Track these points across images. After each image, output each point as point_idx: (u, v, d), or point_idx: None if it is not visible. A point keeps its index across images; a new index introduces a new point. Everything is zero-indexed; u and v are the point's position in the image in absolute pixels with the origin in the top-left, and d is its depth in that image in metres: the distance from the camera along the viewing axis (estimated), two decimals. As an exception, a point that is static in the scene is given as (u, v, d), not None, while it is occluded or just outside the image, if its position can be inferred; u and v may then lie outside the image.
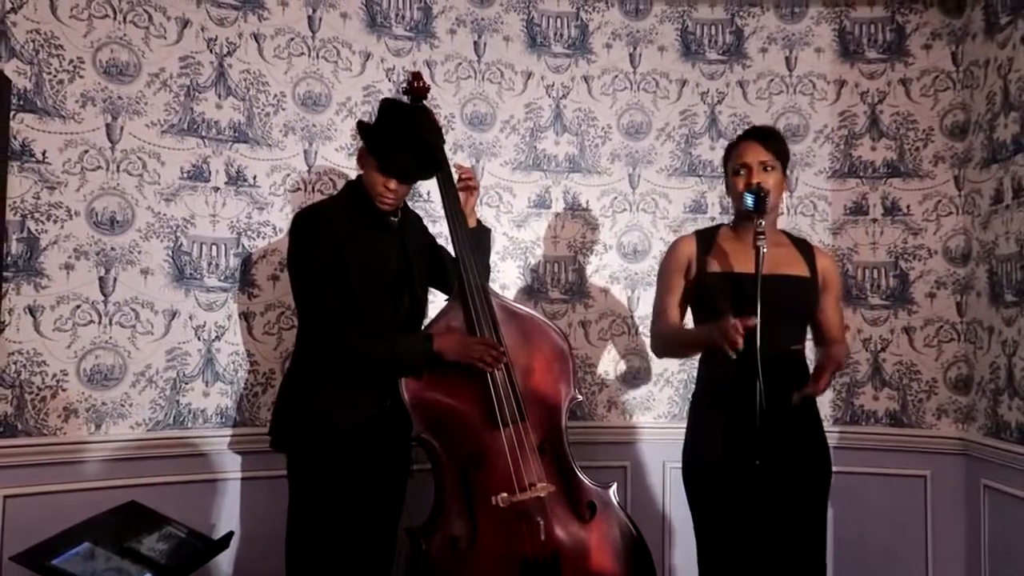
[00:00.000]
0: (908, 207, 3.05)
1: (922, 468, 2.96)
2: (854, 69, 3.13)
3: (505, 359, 2.27)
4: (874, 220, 3.08)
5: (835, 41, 3.14)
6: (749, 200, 2.05)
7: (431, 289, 2.63)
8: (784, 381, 2.08)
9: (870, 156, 3.10)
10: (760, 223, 2.00)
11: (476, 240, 2.48)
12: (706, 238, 2.28)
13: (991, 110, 2.80)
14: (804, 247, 2.28)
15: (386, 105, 2.42)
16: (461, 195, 2.50)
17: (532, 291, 3.10)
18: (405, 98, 2.62)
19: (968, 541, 2.88)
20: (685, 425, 2.30)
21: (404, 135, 2.33)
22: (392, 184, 2.30)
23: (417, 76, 2.59)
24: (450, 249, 2.47)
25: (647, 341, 3.09)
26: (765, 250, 1.98)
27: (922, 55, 3.07)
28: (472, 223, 2.53)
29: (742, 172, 2.17)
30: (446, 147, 2.57)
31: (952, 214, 3.01)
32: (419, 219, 2.60)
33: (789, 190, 3.09)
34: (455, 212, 2.43)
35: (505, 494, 2.22)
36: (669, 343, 2.33)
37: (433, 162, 2.40)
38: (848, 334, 2.82)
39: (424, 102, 2.59)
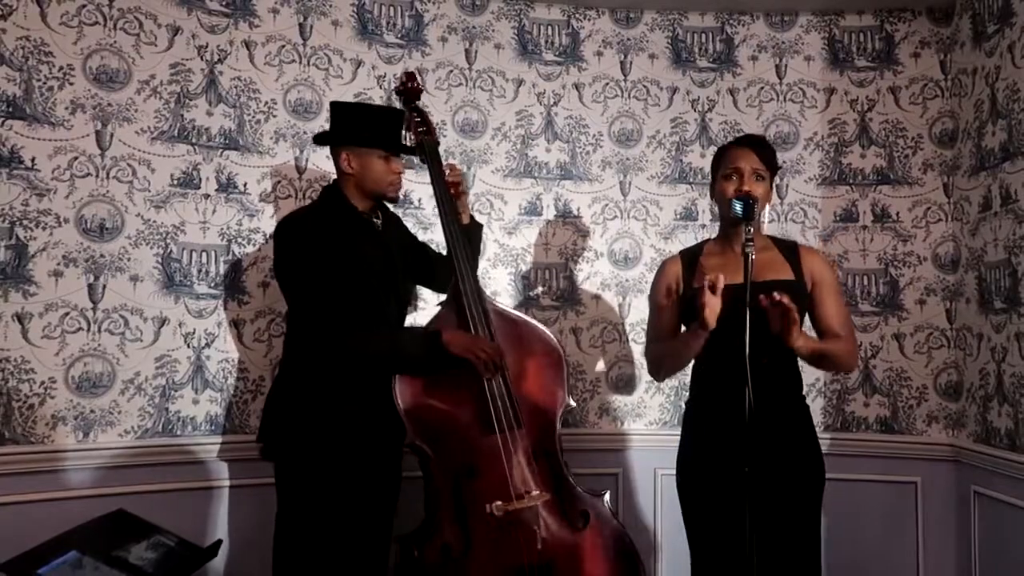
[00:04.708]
0: (897, 214, 3.07)
1: (912, 474, 2.97)
2: (844, 77, 3.14)
3: (503, 365, 2.26)
4: (864, 227, 3.09)
5: (825, 49, 3.16)
6: (738, 207, 2.04)
7: (423, 289, 2.62)
8: (774, 388, 2.10)
9: (860, 163, 3.12)
10: (749, 230, 2.00)
11: (468, 238, 2.48)
12: (690, 257, 2.28)
13: (979, 118, 2.81)
14: (789, 250, 2.26)
15: (343, 106, 2.42)
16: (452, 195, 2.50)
17: (523, 298, 3.09)
18: (398, 99, 2.61)
19: (958, 547, 2.89)
20: (676, 432, 2.30)
21: (382, 116, 2.37)
22: (399, 167, 2.35)
23: (411, 76, 2.58)
24: (438, 249, 2.47)
25: (638, 348, 3.10)
26: (754, 256, 1.98)
27: (911, 63, 3.10)
28: (465, 219, 2.53)
29: (733, 177, 2.16)
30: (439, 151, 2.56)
31: (941, 221, 3.03)
32: (399, 219, 2.59)
33: (780, 197, 3.11)
34: (449, 215, 2.42)
35: (500, 502, 2.20)
36: (663, 356, 2.26)
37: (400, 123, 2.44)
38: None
39: (417, 103, 2.58)
